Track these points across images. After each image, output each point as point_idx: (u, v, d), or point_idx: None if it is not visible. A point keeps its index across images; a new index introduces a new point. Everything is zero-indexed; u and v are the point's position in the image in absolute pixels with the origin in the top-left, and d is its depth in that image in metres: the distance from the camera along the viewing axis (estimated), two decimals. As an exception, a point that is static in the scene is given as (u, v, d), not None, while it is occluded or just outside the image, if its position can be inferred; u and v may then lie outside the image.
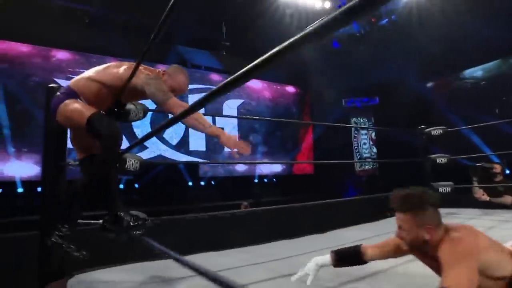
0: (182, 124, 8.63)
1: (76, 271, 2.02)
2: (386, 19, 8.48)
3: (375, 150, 10.27)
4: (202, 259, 2.48)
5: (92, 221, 2.23)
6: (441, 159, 4.22)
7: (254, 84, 10.03)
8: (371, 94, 10.01)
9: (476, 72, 8.52)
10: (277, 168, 10.05)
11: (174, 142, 8.47)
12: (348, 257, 1.62)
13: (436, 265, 1.31)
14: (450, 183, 4.11)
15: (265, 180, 9.73)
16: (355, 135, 10.43)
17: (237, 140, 1.85)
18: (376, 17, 8.55)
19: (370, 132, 10.32)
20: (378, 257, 1.60)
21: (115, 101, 1.95)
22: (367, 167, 10.28)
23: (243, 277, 1.98)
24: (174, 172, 8.31)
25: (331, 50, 9.28)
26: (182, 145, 8.58)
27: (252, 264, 2.30)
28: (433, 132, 4.29)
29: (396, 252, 1.56)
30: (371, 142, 10.35)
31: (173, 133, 8.43)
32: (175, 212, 6.17)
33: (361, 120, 10.27)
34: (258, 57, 0.70)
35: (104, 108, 1.94)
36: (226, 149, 9.27)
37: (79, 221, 2.00)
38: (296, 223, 3.47)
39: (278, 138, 10.16)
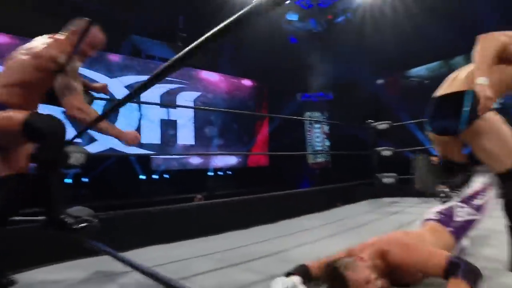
0: (135, 117, 8.44)
1: (11, 271, 1.89)
2: (343, 17, 8.74)
3: (327, 143, 10.62)
4: (156, 251, 2.44)
5: (29, 218, 2.10)
6: (386, 152, 4.47)
7: (211, 76, 9.94)
8: (326, 89, 10.30)
9: (421, 71, 9.07)
10: (232, 160, 10.06)
11: (126, 134, 8.18)
12: (303, 275, 1.49)
13: (401, 275, 1.37)
14: (394, 174, 4.36)
15: (220, 173, 9.70)
16: (308, 128, 10.71)
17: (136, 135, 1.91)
18: (332, 14, 8.78)
19: (323, 126, 10.64)
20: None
21: (48, 92, 1.77)
22: (320, 159, 10.60)
23: (192, 268, 1.97)
24: (125, 166, 8.04)
25: (289, 45, 9.41)
26: (135, 138, 8.30)
27: (203, 255, 2.29)
28: (379, 127, 4.53)
29: None
30: (324, 136, 10.68)
31: (126, 126, 8.14)
32: (127, 206, 5.96)
33: (315, 114, 10.55)
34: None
35: (39, 103, 1.78)
36: (180, 143, 9.15)
37: (15, 218, 1.86)
38: (250, 214, 3.50)
39: (234, 131, 10.16)
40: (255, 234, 2.93)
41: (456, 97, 1.58)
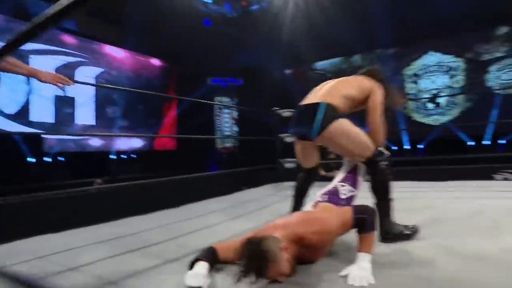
0: (22, 90, 7.39)
1: None
2: (258, 5, 8.84)
3: (236, 129, 10.80)
4: (45, 241, 2.21)
5: None
6: (289, 138, 4.72)
7: (116, 52, 9.21)
8: (236, 75, 10.39)
9: (325, 65, 9.75)
10: (137, 143, 9.57)
11: (10, 110, 7.13)
12: (211, 259, 1.49)
13: (312, 250, 1.49)
14: (295, 159, 4.63)
15: (124, 156, 9.16)
16: (218, 113, 10.73)
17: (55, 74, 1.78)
18: (247, 1, 8.81)
19: (232, 111, 10.77)
20: (229, 260, 1.51)
21: None
22: (228, 144, 10.75)
23: (85, 256, 1.83)
24: (8, 147, 7.02)
25: (202, 27, 9.19)
26: (21, 115, 7.30)
27: (99, 242, 2.15)
28: (284, 114, 4.74)
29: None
30: (232, 121, 10.82)
31: (10, 101, 7.09)
32: (11, 192, 5.25)
33: (225, 100, 10.61)
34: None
35: None
36: (78, 122, 8.35)
37: None
38: (154, 199, 3.39)
39: (140, 112, 9.62)
40: (157, 218, 2.86)
41: (313, 108, 1.86)
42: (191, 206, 3.44)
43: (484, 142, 7.57)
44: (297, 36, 8.45)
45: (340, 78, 2.09)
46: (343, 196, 1.85)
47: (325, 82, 2.12)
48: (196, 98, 9.09)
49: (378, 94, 2.00)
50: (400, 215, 1.98)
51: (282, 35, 8.56)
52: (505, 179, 4.08)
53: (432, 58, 8.39)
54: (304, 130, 1.91)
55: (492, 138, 7.50)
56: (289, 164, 4.56)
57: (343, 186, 1.90)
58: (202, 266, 1.41)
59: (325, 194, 1.88)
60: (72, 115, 8.21)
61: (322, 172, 4.98)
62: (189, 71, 9.86)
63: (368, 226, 1.45)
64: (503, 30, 7.60)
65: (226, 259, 1.53)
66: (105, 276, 1.55)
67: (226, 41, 9.13)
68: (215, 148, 10.56)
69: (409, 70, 8.62)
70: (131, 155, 9.36)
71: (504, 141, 7.42)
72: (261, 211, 3.09)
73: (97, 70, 8.76)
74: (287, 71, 10.25)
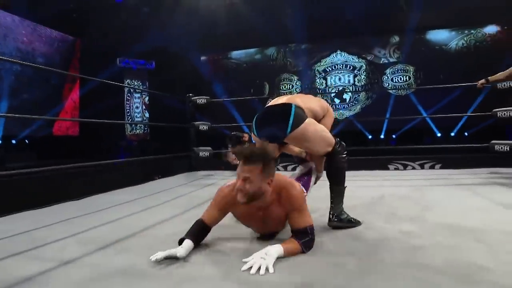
0: None
1: None
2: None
3: (147, 115, 10.24)
4: None
5: None
6: (203, 126, 4.62)
7: (2, 17, 7.83)
8: (148, 57, 9.81)
9: (241, 55, 9.78)
10: (32, 127, 8.38)
11: None
12: (200, 234, 1.62)
13: (263, 214, 1.61)
14: (209, 148, 4.57)
15: (13, 142, 7.97)
16: (127, 98, 10.02)
17: None
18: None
19: (144, 96, 10.15)
20: (219, 219, 1.67)
21: None
22: (138, 131, 10.13)
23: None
24: None
25: (112, 3, 8.38)
26: None
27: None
28: (198, 101, 4.63)
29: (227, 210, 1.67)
30: (143, 107, 10.21)
31: None
32: None
33: (135, 83, 9.93)
34: None
35: None
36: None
37: None
38: (50, 190, 3.00)
39: (34, 91, 8.40)
40: (54, 213, 2.52)
41: (282, 109, 1.89)
42: (95, 197, 3.13)
43: (381, 137, 8.50)
44: (214, 23, 8.30)
45: (297, 94, 2.16)
46: None
47: (280, 96, 2.12)
48: (104, 79, 8.29)
49: (331, 117, 2.12)
50: (313, 204, 2.05)
51: (200, 20, 8.32)
52: (396, 168, 4.62)
53: (339, 57, 9.03)
54: (273, 131, 1.88)
55: (386, 133, 8.44)
56: (203, 152, 4.46)
57: None
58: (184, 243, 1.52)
59: None
60: None
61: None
62: (95, 50, 8.96)
63: (306, 243, 1.52)
64: (396, 39, 8.57)
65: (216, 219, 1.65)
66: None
67: (138, 21, 8.53)
68: (124, 135, 9.85)
69: (320, 67, 9.14)
70: (25, 141, 8.19)
71: (394, 136, 8.42)
72: (176, 201, 2.96)
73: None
74: (202, 58, 10.03)
